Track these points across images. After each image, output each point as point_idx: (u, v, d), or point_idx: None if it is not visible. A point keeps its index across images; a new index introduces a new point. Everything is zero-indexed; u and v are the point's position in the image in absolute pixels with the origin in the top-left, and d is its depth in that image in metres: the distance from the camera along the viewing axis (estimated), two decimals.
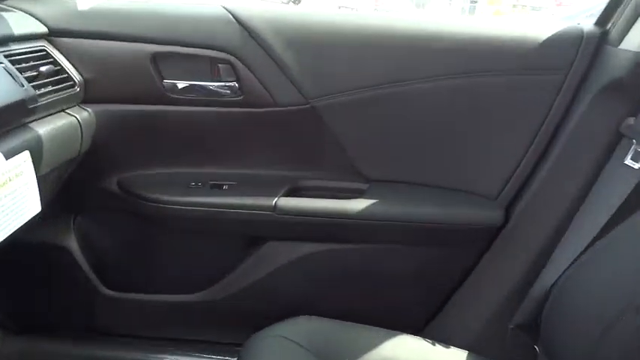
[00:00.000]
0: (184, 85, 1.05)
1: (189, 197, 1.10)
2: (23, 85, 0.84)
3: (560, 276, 0.91)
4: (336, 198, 1.08)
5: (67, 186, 1.02)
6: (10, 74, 0.82)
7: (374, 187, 1.09)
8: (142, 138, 1.11)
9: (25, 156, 0.81)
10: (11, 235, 0.75)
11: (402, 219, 1.08)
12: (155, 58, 1.02)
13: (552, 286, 0.92)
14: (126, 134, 1.09)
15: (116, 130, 1.07)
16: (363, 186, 1.10)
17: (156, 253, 1.19)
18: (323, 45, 1.03)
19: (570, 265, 0.91)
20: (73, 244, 1.18)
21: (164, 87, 1.05)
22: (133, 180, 1.13)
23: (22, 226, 0.78)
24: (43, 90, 0.87)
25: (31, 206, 0.84)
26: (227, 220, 1.10)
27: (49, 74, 0.93)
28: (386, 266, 1.13)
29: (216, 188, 1.11)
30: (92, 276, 1.16)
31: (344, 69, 1.03)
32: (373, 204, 1.07)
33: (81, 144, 1.01)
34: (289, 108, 1.05)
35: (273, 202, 1.06)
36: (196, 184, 1.13)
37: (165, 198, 1.11)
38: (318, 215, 1.08)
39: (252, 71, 1.01)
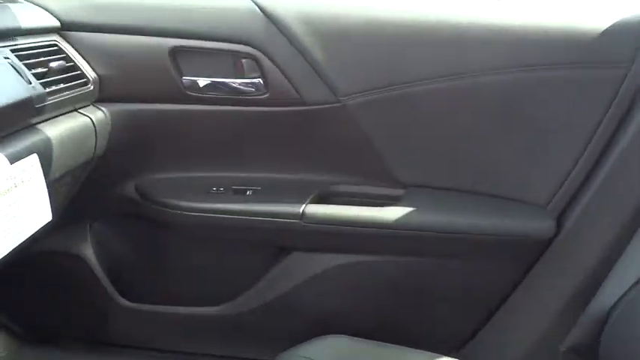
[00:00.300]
0: (205, 83, 0.98)
1: (210, 203, 1.03)
2: (31, 83, 0.77)
3: (622, 297, 0.81)
4: (369, 205, 1.00)
5: (81, 191, 0.96)
6: (17, 70, 0.76)
7: (410, 194, 1.01)
8: (161, 140, 1.04)
9: (33, 160, 0.74)
10: (23, 243, 0.71)
11: (440, 229, 0.98)
12: (174, 53, 0.95)
13: (612, 307, 0.82)
14: (143, 135, 1.02)
15: (133, 131, 1.00)
16: (399, 192, 1.02)
17: (175, 263, 1.13)
18: (357, 37, 0.94)
19: (634, 284, 0.80)
20: (88, 252, 1.12)
21: (183, 84, 0.98)
22: (151, 185, 1.07)
23: (33, 235, 0.73)
24: (53, 87, 0.81)
25: (41, 214, 0.77)
26: (250, 228, 1.02)
27: (60, 71, 0.87)
28: (422, 281, 1.04)
29: (239, 194, 1.04)
30: (108, 286, 1.12)
31: (380, 63, 0.95)
32: (409, 212, 0.97)
33: (95, 146, 0.94)
34: (319, 107, 0.96)
35: (301, 209, 0.98)
36: (218, 190, 1.06)
37: (185, 204, 1.03)
38: (349, 224, 0.99)
39: (278, 66, 0.94)
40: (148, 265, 1.13)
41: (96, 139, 0.94)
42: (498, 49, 0.93)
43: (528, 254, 1.01)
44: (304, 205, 0.98)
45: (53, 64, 0.86)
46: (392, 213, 0.98)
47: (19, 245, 0.70)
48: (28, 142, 0.74)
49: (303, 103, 0.96)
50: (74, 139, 0.88)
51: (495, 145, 0.99)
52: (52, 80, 0.82)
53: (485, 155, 1.01)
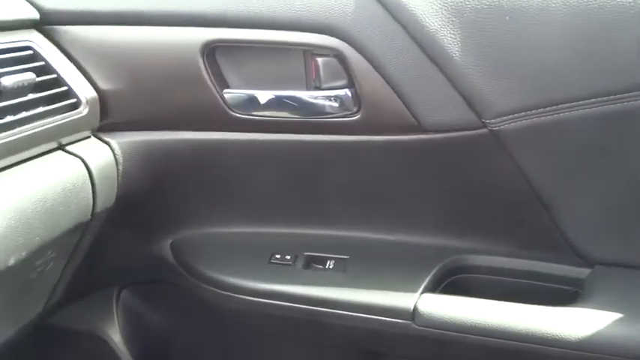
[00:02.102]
0: (260, 98, 0.62)
1: (270, 283, 0.69)
2: None
3: None
4: (534, 295, 0.63)
5: (97, 254, 0.72)
6: None
7: (601, 278, 0.63)
8: (197, 181, 0.73)
9: None
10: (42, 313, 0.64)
11: None
12: (210, 50, 0.62)
13: None
14: (173, 175, 0.71)
15: (156, 170, 0.69)
16: (580, 272, 0.65)
17: (225, 354, 0.81)
18: (513, 31, 0.56)
19: None
20: (113, 331, 0.82)
21: (226, 101, 0.62)
22: (190, 244, 0.77)
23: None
24: (22, 114, 0.55)
25: None
26: (331, 325, 0.65)
27: (34, 87, 0.57)
28: None
29: (315, 266, 0.71)
30: None
31: (549, 71, 0.57)
32: (600, 318, 0.56)
33: (94, 200, 0.62)
34: (448, 134, 0.60)
35: (413, 301, 0.62)
36: (283, 258, 0.69)
37: (233, 282, 0.70)
38: (490, 334, 0.59)
39: (378, 69, 0.58)
40: (189, 353, 0.86)
41: (94, 190, 0.61)
42: None
43: None
44: (418, 294, 0.63)
45: (23, 78, 0.55)
46: (568, 318, 0.59)
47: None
48: None
49: (420, 129, 0.60)
50: (56, 194, 0.56)
51: None
52: (20, 103, 0.54)
53: None
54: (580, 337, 0.57)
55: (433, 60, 0.56)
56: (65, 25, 0.62)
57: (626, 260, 0.63)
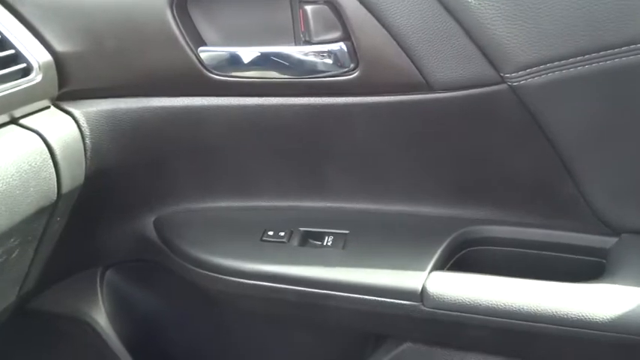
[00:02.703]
0: (242, 56, 0.54)
1: (264, 263, 0.62)
2: None
3: None
4: (554, 269, 0.58)
5: (79, 235, 0.66)
6: None
7: (629, 247, 0.57)
8: (179, 153, 0.65)
9: None
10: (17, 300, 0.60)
11: None
12: (180, 1, 0.54)
13: None
14: (150, 149, 0.63)
15: (132, 143, 0.61)
16: (606, 242, 0.58)
17: (217, 336, 0.77)
18: None
19: None
20: (98, 313, 0.77)
21: (201, 61, 0.54)
22: (174, 222, 0.70)
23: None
24: None
25: None
26: (331, 307, 0.59)
27: None
28: None
29: (313, 242, 0.64)
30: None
31: (583, 15, 0.48)
32: (628, 293, 0.51)
33: (58, 180, 0.54)
34: (460, 92, 0.52)
35: (421, 281, 0.56)
36: (276, 235, 0.63)
37: (223, 263, 0.63)
38: (511, 317, 0.53)
39: (379, 18, 0.50)
40: (180, 334, 0.80)
41: (57, 169, 0.53)
42: None
43: None
44: (427, 273, 0.57)
45: None
46: (593, 295, 0.53)
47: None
48: None
49: (429, 88, 0.52)
50: (10, 176, 0.49)
51: None
52: None
53: None
54: (606, 316, 0.51)
55: (446, 6, 0.47)
56: None
57: None
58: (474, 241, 0.62)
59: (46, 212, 0.56)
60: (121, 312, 0.81)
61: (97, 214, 0.68)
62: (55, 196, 0.55)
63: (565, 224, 0.59)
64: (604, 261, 0.57)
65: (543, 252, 0.60)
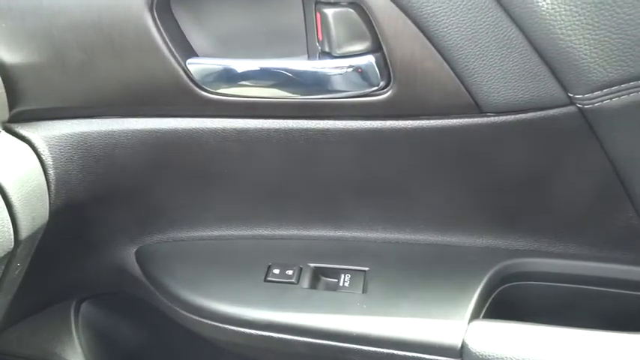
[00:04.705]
0: (239, 70, 0.43)
1: (264, 309, 0.53)
2: None
3: None
4: (609, 307, 0.51)
5: (47, 272, 0.57)
6: None
7: None
8: (165, 180, 0.55)
9: None
10: None
11: None
12: (162, 1, 0.42)
13: None
14: (128, 176, 0.52)
15: (107, 171, 0.50)
16: None
17: None
18: None
19: None
20: (72, 352, 0.69)
21: (189, 75, 0.43)
22: (161, 251, 0.61)
23: None
24: None
25: None
26: None
27: None
28: None
29: (325, 281, 0.55)
30: None
31: None
32: None
33: (14, 223, 0.44)
34: (515, 116, 0.41)
35: (460, 335, 0.48)
36: (283, 273, 0.54)
37: (219, 308, 0.54)
38: None
39: (421, 25, 0.40)
40: None
41: (11, 212, 0.43)
42: None
43: None
44: (467, 322, 0.49)
45: None
46: None
47: None
48: None
49: (479, 110, 0.41)
50: None
51: None
52: None
53: None
54: None
55: (509, 11, 0.37)
56: None
57: None
58: (515, 275, 0.53)
59: (1, 262, 0.46)
60: (98, 349, 0.71)
61: (66, 248, 0.57)
62: (12, 243, 0.45)
63: (620, 257, 0.51)
64: None
65: (595, 287, 0.52)
